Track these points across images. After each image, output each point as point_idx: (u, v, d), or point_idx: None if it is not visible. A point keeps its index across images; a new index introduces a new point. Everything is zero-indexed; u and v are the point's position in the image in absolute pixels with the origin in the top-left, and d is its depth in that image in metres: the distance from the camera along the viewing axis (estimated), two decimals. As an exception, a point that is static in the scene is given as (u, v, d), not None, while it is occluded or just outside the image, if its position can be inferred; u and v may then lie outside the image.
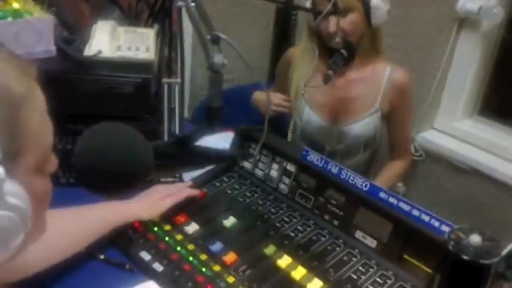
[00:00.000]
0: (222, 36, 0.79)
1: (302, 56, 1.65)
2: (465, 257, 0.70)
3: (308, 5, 1.52)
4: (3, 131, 0.50)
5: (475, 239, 0.70)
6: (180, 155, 0.84)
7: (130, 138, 0.77)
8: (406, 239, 1.06)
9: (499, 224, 1.91)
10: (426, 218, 1.05)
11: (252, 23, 2.36)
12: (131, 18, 1.90)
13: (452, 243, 0.71)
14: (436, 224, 1.04)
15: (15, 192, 0.53)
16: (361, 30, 1.53)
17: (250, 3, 2.27)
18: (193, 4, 0.87)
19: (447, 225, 1.03)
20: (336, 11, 1.34)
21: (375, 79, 1.64)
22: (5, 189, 0.51)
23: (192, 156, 0.87)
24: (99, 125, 0.77)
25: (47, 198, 0.62)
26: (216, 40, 0.79)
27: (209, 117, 0.85)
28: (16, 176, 0.53)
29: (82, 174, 0.76)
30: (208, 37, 0.80)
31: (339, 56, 1.43)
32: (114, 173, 0.74)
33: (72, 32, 1.70)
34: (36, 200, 0.57)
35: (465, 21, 2.04)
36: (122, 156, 0.75)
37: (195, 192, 1.20)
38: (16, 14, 1.27)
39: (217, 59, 0.79)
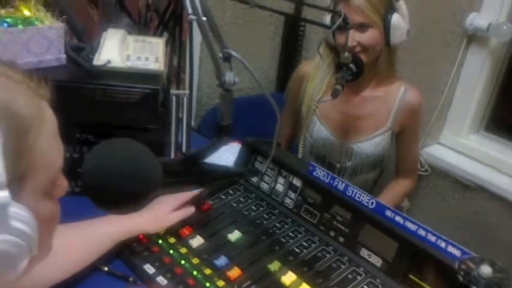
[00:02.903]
0: (234, 53, 0.79)
1: (315, 72, 1.65)
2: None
3: (327, 20, 1.52)
4: (9, 154, 0.49)
5: (486, 270, 0.69)
6: (189, 172, 0.84)
7: (139, 156, 0.76)
8: (412, 259, 1.05)
9: (504, 242, 1.90)
10: (433, 239, 1.05)
11: (259, 33, 2.36)
12: (140, 26, 1.90)
13: (462, 273, 0.70)
14: (443, 244, 1.03)
15: (21, 217, 0.52)
16: (379, 47, 1.53)
17: (258, 14, 2.27)
18: (204, 19, 0.87)
19: (454, 246, 1.02)
20: (353, 25, 1.33)
21: (388, 98, 1.63)
22: (9, 213, 0.50)
23: (201, 174, 0.87)
24: (108, 142, 0.77)
25: (55, 222, 0.61)
26: (227, 58, 0.79)
27: (219, 134, 0.84)
28: (22, 200, 0.52)
29: (90, 192, 0.75)
30: (220, 54, 0.80)
31: (347, 70, 1.43)
32: (123, 192, 0.74)
33: (81, 39, 1.70)
34: (43, 224, 0.56)
35: (474, 38, 2.04)
36: (131, 175, 0.74)
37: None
38: (27, 21, 1.27)
39: (229, 77, 0.79)
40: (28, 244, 0.53)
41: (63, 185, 0.60)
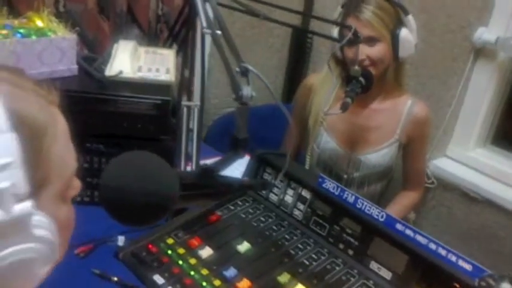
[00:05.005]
0: (251, 68, 0.79)
1: (323, 84, 1.65)
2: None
3: (335, 33, 1.53)
4: (27, 163, 0.50)
5: (506, 287, 0.69)
6: (205, 185, 0.84)
7: (157, 169, 0.77)
8: (422, 272, 1.05)
9: (511, 255, 1.89)
10: (443, 252, 1.04)
11: (267, 45, 2.38)
12: (150, 37, 1.92)
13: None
14: (453, 258, 1.03)
15: (43, 224, 0.53)
16: (388, 61, 1.53)
17: (266, 26, 2.29)
18: (219, 33, 0.88)
19: (464, 260, 1.02)
20: (362, 39, 1.34)
21: (396, 111, 1.64)
22: (33, 222, 0.51)
23: (217, 187, 0.87)
24: (125, 155, 0.77)
25: (72, 224, 0.62)
26: (244, 72, 0.80)
27: (235, 148, 0.85)
28: (42, 207, 0.52)
29: (106, 206, 0.76)
30: (237, 69, 0.81)
31: (356, 83, 1.44)
32: (140, 206, 0.74)
33: (92, 49, 1.72)
34: (61, 228, 0.56)
35: (481, 52, 2.05)
36: (148, 188, 0.74)
37: None
38: (40, 32, 1.28)
39: (246, 91, 0.79)
40: (51, 250, 0.54)
41: (77, 186, 0.60)
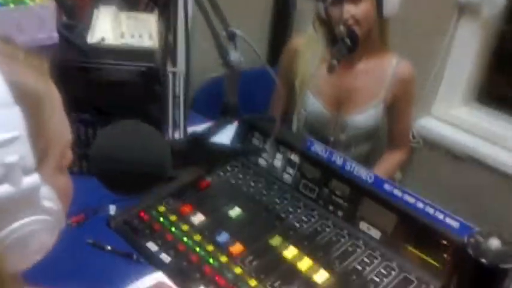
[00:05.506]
0: (238, 32, 0.78)
1: (308, 46, 1.64)
2: (485, 262, 0.71)
3: None
4: (32, 135, 0.50)
5: (494, 242, 0.71)
6: (196, 152, 0.84)
7: (148, 138, 0.76)
8: (411, 231, 1.08)
9: (496, 214, 1.94)
10: (431, 211, 1.07)
11: (250, 6, 2.33)
12: (130, 2, 1.87)
13: (471, 247, 0.71)
14: (441, 216, 1.05)
15: (48, 195, 0.53)
16: (372, 20, 1.52)
17: (249, -13, 2.25)
18: (204, -4, 0.86)
19: (451, 217, 1.04)
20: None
21: (381, 71, 1.64)
22: (41, 194, 0.52)
23: (208, 154, 0.87)
24: (116, 125, 0.76)
25: (71, 193, 0.62)
26: (232, 37, 0.78)
27: (225, 113, 0.84)
28: (45, 178, 0.52)
29: (100, 176, 0.75)
30: (224, 33, 0.79)
31: (342, 44, 1.42)
32: (132, 175, 0.74)
33: (71, 16, 1.67)
34: (62, 197, 0.57)
35: (465, 9, 2.04)
36: (140, 158, 0.74)
37: None
38: (18, 0, 1.24)
39: (234, 56, 0.78)
40: (57, 220, 0.55)
41: (69, 156, 0.61)
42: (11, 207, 0.50)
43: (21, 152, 0.49)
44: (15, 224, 0.50)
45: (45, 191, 0.53)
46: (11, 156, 0.48)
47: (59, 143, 0.56)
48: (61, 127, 0.57)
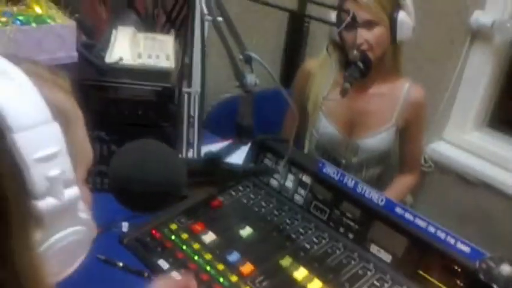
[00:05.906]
0: (254, 56, 0.80)
1: (321, 69, 1.66)
2: (496, 287, 0.71)
3: (333, 17, 1.53)
4: (68, 149, 0.52)
5: (506, 268, 0.71)
6: (210, 172, 0.86)
7: (167, 158, 0.78)
8: (422, 255, 1.07)
9: (507, 239, 1.92)
10: (442, 235, 1.06)
11: (264, 30, 2.37)
12: (147, 23, 1.91)
13: (482, 272, 0.72)
14: (452, 241, 1.05)
15: (82, 207, 0.55)
16: (385, 45, 1.54)
17: (263, 10, 2.28)
18: (221, 19, 0.88)
19: (463, 243, 1.04)
20: (361, 23, 1.34)
21: (393, 95, 1.65)
22: (79, 206, 0.54)
23: (222, 174, 0.89)
24: (133, 144, 0.78)
25: (91, 205, 0.64)
26: (248, 60, 0.80)
27: (239, 135, 0.86)
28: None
29: (118, 195, 0.77)
30: (241, 57, 0.81)
31: (355, 68, 1.44)
32: (148, 194, 0.75)
33: (90, 36, 1.71)
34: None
35: (478, 35, 2.06)
36: (159, 178, 0.75)
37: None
38: (39, 19, 1.28)
39: (250, 78, 0.80)
40: (90, 229, 0.57)
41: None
42: (54, 219, 0.51)
43: (62, 166, 0.51)
44: (57, 236, 0.52)
45: (81, 203, 0.55)
46: (54, 170, 0.50)
47: (85, 158, 0.58)
48: (85, 144, 0.59)
